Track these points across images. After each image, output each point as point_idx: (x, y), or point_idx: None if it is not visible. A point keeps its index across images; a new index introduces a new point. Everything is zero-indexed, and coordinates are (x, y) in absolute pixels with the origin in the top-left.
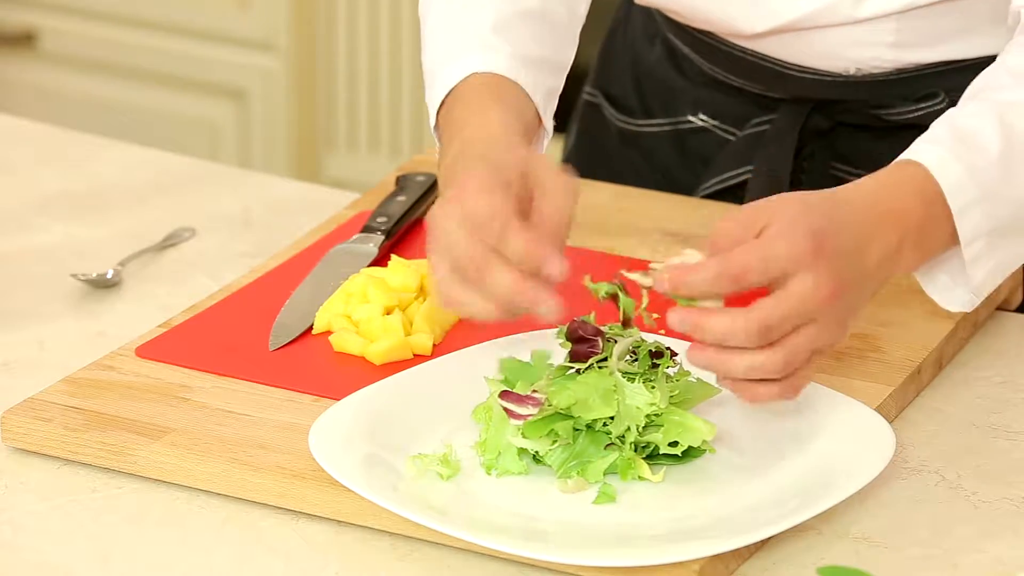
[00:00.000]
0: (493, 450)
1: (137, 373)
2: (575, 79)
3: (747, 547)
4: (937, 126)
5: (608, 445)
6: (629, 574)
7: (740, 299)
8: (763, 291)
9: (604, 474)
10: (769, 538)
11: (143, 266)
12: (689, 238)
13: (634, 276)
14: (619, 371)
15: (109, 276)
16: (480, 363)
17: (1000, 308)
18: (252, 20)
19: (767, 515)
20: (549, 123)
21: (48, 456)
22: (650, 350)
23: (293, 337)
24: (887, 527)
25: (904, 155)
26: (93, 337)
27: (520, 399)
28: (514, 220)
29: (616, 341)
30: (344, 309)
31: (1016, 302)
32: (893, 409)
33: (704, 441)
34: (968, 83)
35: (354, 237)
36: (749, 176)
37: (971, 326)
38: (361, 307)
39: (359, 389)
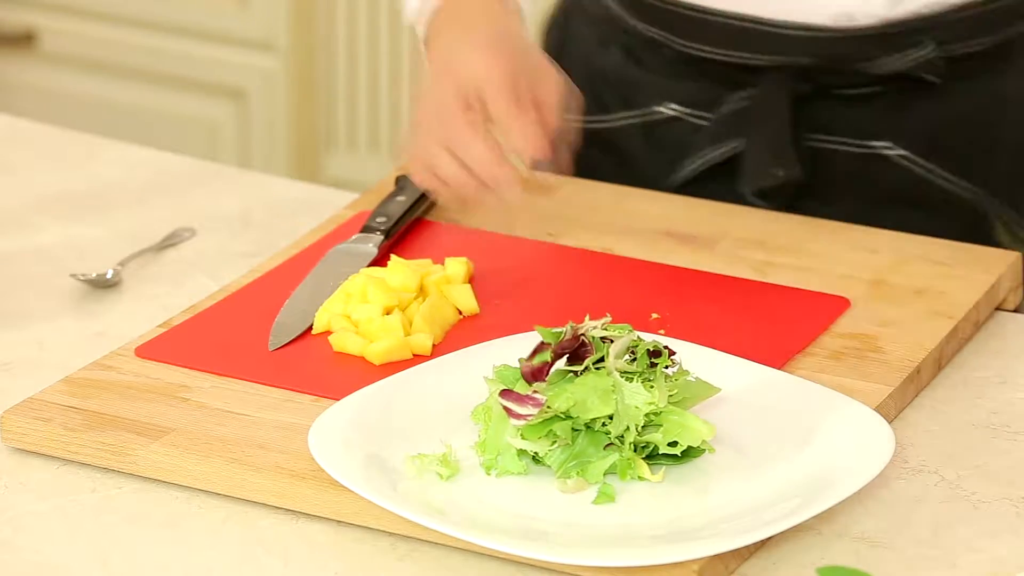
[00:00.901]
0: (492, 450)
1: (137, 373)
2: None
3: (747, 547)
4: None
5: (607, 445)
6: (629, 574)
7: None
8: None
9: (604, 474)
10: (769, 538)
11: (143, 266)
12: (689, 238)
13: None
14: (617, 371)
15: (109, 276)
16: (480, 363)
17: (1000, 308)
18: (252, 20)
19: (767, 515)
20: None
21: (48, 456)
22: (648, 349)
23: (292, 337)
24: (887, 527)
25: None
26: (93, 337)
27: (520, 399)
28: (511, 102)
29: (613, 341)
30: (344, 309)
31: (1016, 302)
32: (893, 409)
33: (704, 441)
34: (958, 32)
35: (353, 237)
36: (733, 153)
37: (971, 326)
38: (361, 307)
39: (359, 389)
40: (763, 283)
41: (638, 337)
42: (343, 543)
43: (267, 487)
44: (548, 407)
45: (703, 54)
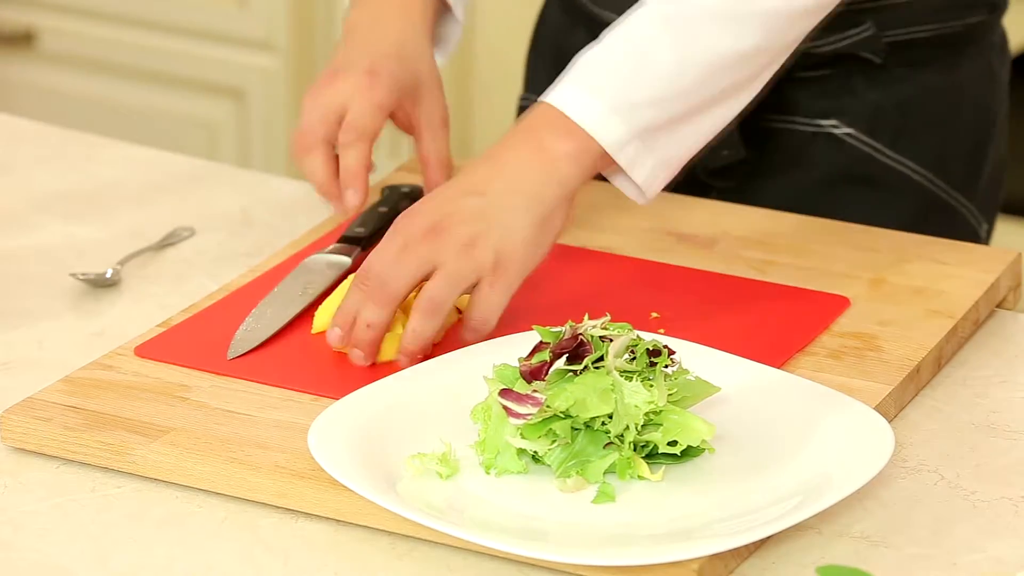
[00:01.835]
0: (492, 449)
1: (136, 373)
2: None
3: (746, 546)
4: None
5: (607, 444)
6: (628, 573)
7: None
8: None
9: (603, 473)
10: (768, 537)
11: (142, 266)
12: (689, 237)
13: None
14: (616, 370)
15: (108, 276)
16: (480, 363)
17: (1000, 308)
18: (251, 20)
19: (766, 514)
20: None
21: (47, 456)
22: (647, 348)
23: (249, 349)
24: (886, 526)
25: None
26: (92, 337)
27: (520, 398)
28: (365, 140)
29: (612, 340)
30: None
31: (1016, 302)
32: (892, 408)
33: (703, 440)
34: (899, 17)
35: (330, 247)
36: None
37: (971, 325)
38: None
39: (359, 389)
40: (763, 282)
41: (637, 336)
42: (343, 543)
43: (267, 487)
44: (547, 406)
45: None
